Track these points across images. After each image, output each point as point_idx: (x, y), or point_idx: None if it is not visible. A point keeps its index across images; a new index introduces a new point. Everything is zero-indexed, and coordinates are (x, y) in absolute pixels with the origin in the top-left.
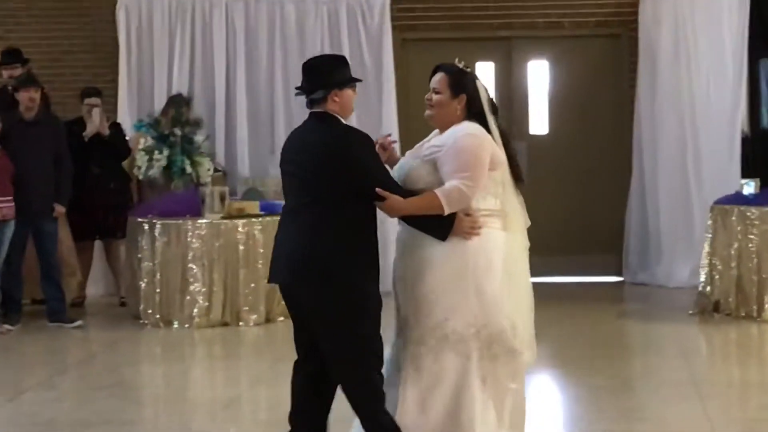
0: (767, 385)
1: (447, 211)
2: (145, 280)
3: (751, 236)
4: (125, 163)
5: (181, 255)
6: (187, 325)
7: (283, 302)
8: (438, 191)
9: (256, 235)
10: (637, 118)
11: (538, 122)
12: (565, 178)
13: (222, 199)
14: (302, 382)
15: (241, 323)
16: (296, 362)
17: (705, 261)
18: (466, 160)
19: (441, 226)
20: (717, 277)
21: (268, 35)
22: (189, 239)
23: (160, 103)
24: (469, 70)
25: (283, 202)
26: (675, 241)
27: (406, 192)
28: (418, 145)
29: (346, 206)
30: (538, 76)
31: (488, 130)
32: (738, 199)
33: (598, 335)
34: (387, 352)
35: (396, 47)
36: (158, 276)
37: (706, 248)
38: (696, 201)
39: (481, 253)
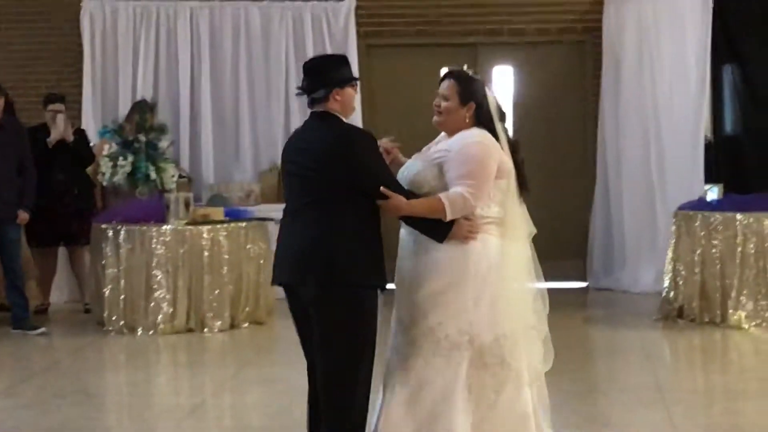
0: (731, 391)
1: (449, 217)
2: (110, 286)
3: (715, 242)
4: (89, 170)
5: (145, 261)
6: (151, 332)
7: (248, 308)
8: (443, 196)
9: (221, 241)
10: (601, 124)
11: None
12: (529, 184)
13: (186, 205)
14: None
15: (205, 330)
16: (309, 369)
17: (669, 267)
18: (472, 168)
19: (440, 228)
20: (681, 282)
21: (233, 41)
22: (153, 245)
23: (124, 109)
24: (478, 77)
25: (248, 209)
26: (639, 247)
27: (409, 193)
28: (425, 148)
29: (349, 206)
30: (503, 82)
31: (496, 138)
32: (701, 204)
33: (563, 341)
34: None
35: (361, 53)
36: (122, 282)
37: (670, 254)
38: (660, 207)
39: (481, 260)
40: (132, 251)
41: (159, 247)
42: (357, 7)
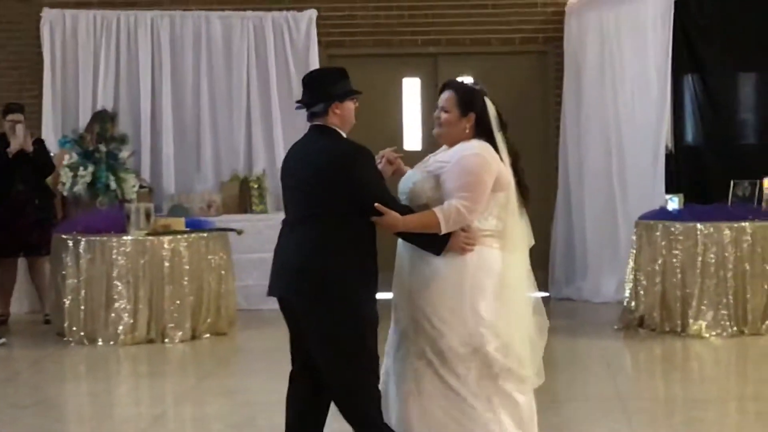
0: (691, 400)
1: (444, 231)
2: (70, 297)
3: (675, 252)
4: (50, 180)
5: (105, 272)
6: (111, 343)
7: (209, 319)
8: (437, 210)
9: (182, 251)
10: (562, 133)
11: None
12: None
13: (147, 215)
14: (296, 395)
15: (166, 340)
16: (291, 373)
17: (630, 276)
18: (468, 181)
19: (437, 241)
20: (642, 292)
21: (194, 50)
22: (114, 256)
23: (84, 119)
24: (478, 87)
25: (209, 219)
26: (600, 257)
27: (404, 208)
28: (426, 158)
29: (346, 221)
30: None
31: (497, 149)
32: (662, 214)
33: None
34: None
35: (322, 63)
36: (83, 293)
37: (631, 263)
38: (621, 216)
39: (478, 272)
40: (92, 262)
41: (119, 257)
42: (318, 17)
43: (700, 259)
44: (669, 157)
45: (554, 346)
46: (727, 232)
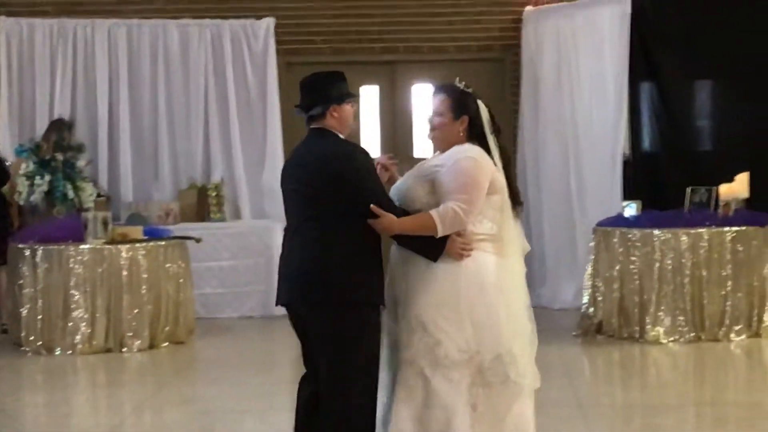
0: (650, 406)
1: (440, 233)
2: (27, 306)
3: (633, 258)
4: (6, 189)
5: (63, 281)
6: (69, 352)
7: (167, 328)
8: (433, 212)
9: (140, 260)
10: (520, 140)
11: (423, 145)
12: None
13: (105, 224)
14: (306, 399)
15: (124, 349)
16: (303, 377)
17: (588, 283)
18: (463, 183)
19: (433, 247)
20: (600, 298)
21: (151, 58)
22: (71, 265)
23: (41, 127)
24: (470, 90)
25: (167, 227)
26: (559, 263)
27: (401, 211)
28: (418, 164)
29: (347, 223)
30: (423, 99)
31: (489, 152)
32: (620, 221)
33: None
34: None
35: (280, 70)
36: (40, 302)
37: (589, 270)
38: (579, 223)
39: (474, 277)
40: (49, 271)
41: (77, 266)
42: (276, 25)
43: (657, 265)
44: (626, 163)
45: None
46: (684, 238)
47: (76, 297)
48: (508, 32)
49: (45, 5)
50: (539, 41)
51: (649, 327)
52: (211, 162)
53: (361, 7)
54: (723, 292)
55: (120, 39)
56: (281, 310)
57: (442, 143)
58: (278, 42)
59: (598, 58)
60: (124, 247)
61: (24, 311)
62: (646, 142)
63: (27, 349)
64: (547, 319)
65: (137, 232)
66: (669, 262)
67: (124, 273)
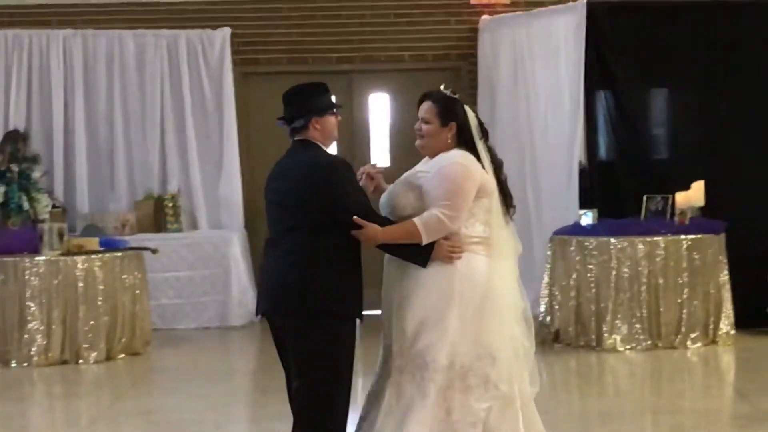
0: (607, 414)
1: (425, 241)
2: None
3: (590, 266)
4: None
5: (18, 293)
6: (25, 364)
7: (124, 339)
8: (417, 220)
9: (96, 271)
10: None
11: (380, 155)
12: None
13: (61, 235)
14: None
15: (81, 361)
16: (288, 387)
17: (545, 291)
18: (448, 189)
19: (420, 253)
20: (557, 307)
21: (107, 69)
22: (27, 277)
23: None
24: (457, 96)
25: (123, 238)
26: None
27: (385, 220)
28: (407, 172)
29: (326, 235)
30: (379, 109)
31: (479, 157)
32: (576, 229)
33: None
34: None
35: (237, 81)
36: None
37: (546, 278)
38: (536, 231)
39: (466, 280)
40: (5, 283)
41: (33, 278)
42: (233, 35)
43: (614, 273)
44: (583, 172)
45: None
46: (640, 246)
47: (32, 309)
48: (464, 41)
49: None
50: (495, 50)
51: (606, 335)
52: (168, 172)
53: (317, 18)
54: (679, 300)
55: (75, 49)
56: (238, 321)
57: (430, 151)
58: (234, 52)
59: (554, 67)
60: (80, 259)
61: None
62: (602, 151)
63: None
64: None
65: (93, 243)
66: (626, 270)
67: (80, 284)
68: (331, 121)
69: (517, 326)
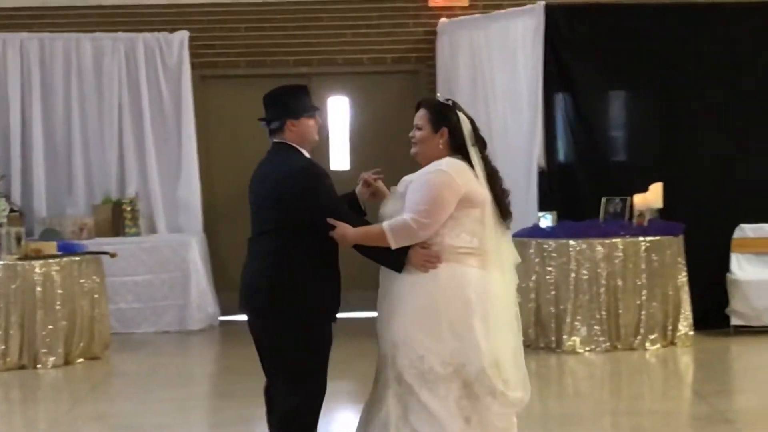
0: (566, 416)
1: (394, 245)
2: None
3: (549, 268)
4: None
5: None
6: None
7: (82, 344)
8: (384, 224)
9: (54, 276)
10: None
11: (339, 158)
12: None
13: (18, 239)
14: (270, 409)
15: (39, 366)
16: (265, 387)
17: None
18: (425, 195)
19: (394, 257)
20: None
21: (65, 72)
22: None
23: None
24: (449, 102)
25: (81, 242)
26: None
27: (359, 222)
28: (401, 179)
29: (299, 237)
30: (338, 111)
31: (472, 165)
32: (536, 231)
33: None
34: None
35: (195, 84)
36: None
37: None
38: None
39: (453, 290)
40: None
41: None
42: (191, 38)
43: (573, 275)
44: (542, 174)
45: None
46: (599, 248)
47: None
48: (423, 44)
49: None
50: (454, 53)
51: (565, 337)
52: (126, 176)
53: (275, 20)
54: (638, 302)
55: (32, 53)
56: (197, 325)
57: (423, 158)
58: (192, 55)
59: (513, 69)
60: (37, 263)
61: None
62: (561, 153)
63: None
64: None
65: (51, 247)
66: (585, 272)
67: (38, 289)
68: (308, 123)
69: (512, 334)
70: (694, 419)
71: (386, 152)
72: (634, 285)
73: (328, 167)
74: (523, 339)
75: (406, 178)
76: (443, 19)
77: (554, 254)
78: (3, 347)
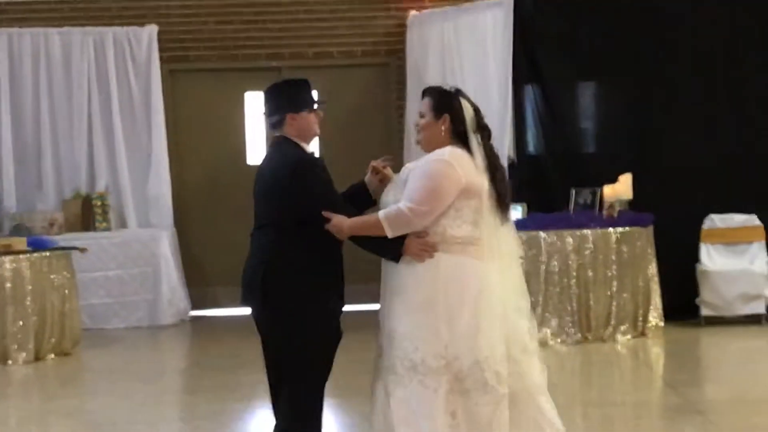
0: None
1: (390, 234)
2: None
3: (519, 260)
4: None
5: None
6: None
7: (53, 339)
8: (380, 213)
9: (24, 271)
10: (406, 144)
11: (309, 150)
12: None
13: None
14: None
15: (9, 362)
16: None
17: None
18: (423, 185)
19: (390, 247)
20: None
21: (33, 67)
22: None
23: None
24: (451, 90)
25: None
26: None
27: (354, 213)
28: (402, 168)
29: (295, 231)
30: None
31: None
32: None
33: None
34: None
35: (164, 78)
36: None
37: None
38: None
39: (452, 282)
40: None
41: None
42: (160, 32)
43: (543, 267)
44: (511, 166)
45: None
46: (569, 240)
47: None
48: (393, 37)
49: None
50: (424, 45)
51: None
52: (96, 171)
53: (245, 14)
54: (609, 293)
55: (0, 48)
56: (169, 320)
57: (427, 145)
58: (162, 49)
59: (482, 61)
60: (7, 259)
61: None
62: (531, 145)
63: None
64: None
65: (21, 243)
66: (555, 263)
67: (8, 285)
68: (307, 117)
69: (517, 326)
70: (665, 410)
71: (357, 144)
72: (604, 276)
73: None
74: None
75: (409, 165)
76: (413, 12)
77: (525, 246)
78: None
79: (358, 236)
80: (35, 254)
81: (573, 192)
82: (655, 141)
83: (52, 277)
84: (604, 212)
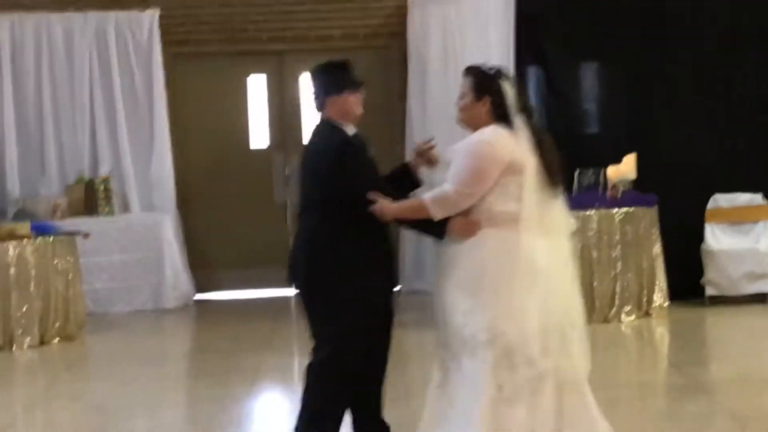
0: None
1: (437, 216)
2: None
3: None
4: None
5: None
6: None
7: (57, 324)
8: (426, 197)
9: (28, 256)
10: (408, 127)
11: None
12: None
13: None
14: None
15: (14, 347)
16: None
17: None
18: (466, 166)
19: (435, 227)
20: None
21: (35, 52)
22: None
23: None
24: (492, 71)
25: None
26: None
27: (392, 195)
28: (448, 148)
29: (339, 212)
30: (311, 88)
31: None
32: None
33: None
34: None
35: (167, 62)
36: None
37: None
38: None
39: (499, 257)
40: None
41: None
42: (162, 16)
43: None
44: None
45: (405, 339)
46: (573, 220)
47: None
48: (394, 19)
49: None
50: (425, 28)
51: None
52: (99, 155)
53: None
54: (613, 274)
55: (3, 33)
56: (172, 303)
57: (469, 125)
58: (164, 33)
59: (484, 43)
60: (11, 244)
61: None
62: None
63: None
64: (429, 306)
65: (24, 228)
66: None
67: (12, 270)
68: (348, 99)
69: (562, 302)
70: (670, 390)
71: (359, 126)
72: (608, 257)
73: (301, 143)
74: None
75: (455, 146)
76: None
77: None
78: None
79: (401, 217)
80: (39, 239)
81: (576, 172)
82: (659, 120)
83: (55, 261)
84: (608, 193)
